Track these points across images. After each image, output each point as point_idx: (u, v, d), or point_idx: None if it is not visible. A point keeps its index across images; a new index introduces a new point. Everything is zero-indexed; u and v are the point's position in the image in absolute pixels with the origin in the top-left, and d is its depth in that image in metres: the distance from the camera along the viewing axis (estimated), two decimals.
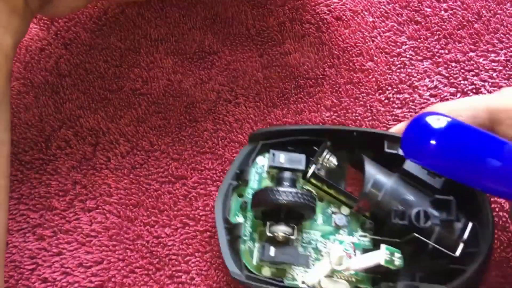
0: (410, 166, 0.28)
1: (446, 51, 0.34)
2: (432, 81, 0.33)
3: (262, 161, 0.30)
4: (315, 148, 0.29)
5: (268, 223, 0.28)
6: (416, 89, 0.33)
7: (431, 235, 0.26)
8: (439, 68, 0.34)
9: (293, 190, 0.27)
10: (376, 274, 0.27)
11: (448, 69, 0.34)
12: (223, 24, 0.35)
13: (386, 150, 0.29)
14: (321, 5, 0.35)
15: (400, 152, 0.28)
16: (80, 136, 0.32)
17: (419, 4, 0.35)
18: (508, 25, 0.34)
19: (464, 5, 0.35)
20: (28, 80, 0.33)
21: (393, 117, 0.33)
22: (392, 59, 0.34)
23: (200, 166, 0.32)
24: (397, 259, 0.26)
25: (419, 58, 0.34)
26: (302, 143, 0.30)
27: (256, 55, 0.34)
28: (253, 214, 0.29)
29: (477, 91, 0.33)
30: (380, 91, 0.34)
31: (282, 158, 0.29)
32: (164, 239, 0.31)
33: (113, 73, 0.33)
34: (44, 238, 0.30)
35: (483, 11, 0.35)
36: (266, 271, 0.28)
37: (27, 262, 0.30)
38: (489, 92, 0.33)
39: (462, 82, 0.33)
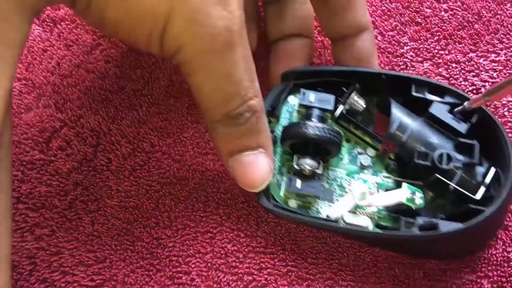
0: (436, 110, 0.29)
1: (446, 52, 0.34)
2: None
3: (293, 101, 0.31)
4: (344, 90, 0.30)
5: (295, 157, 0.29)
6: None
7: (453, 177, 0.27)
8: (440, 69, 0.34)
9: (321, 125, 0.28)
10: (397, 212, 0.28)
11: (449, 70, 0.34)
12: None
13: (413, 93, 0.29)
14: None
15: (428, 96, 0.29)
16: (81, 137, 0.32)
17: (419, 5, 0.35)
18: (509, 25, 0.34)
19: (464, 6, 0.35)
20: (30, 80, 0.33)
21: None
22: (395, 60, 0.34)
23: (201, 167, 0.32)
24: (418, 198, 0.26)
25: (419, 59, 0.34)
26: (333, 85, 0.30)
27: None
28: (282, 150, 0.30)
29: (477, 92, 0.33)
30: None
31: (312, 97, 0.29)
32: (165, 240, 0.31)
33: (114, 74, 0.33)
34: (42, 238, 0.30)
35: (483, 12, 0.35)
36: (292, 203, 0.29)
37: (25, 262, 0.30)
38: None
39: (462, 82, 0.33)
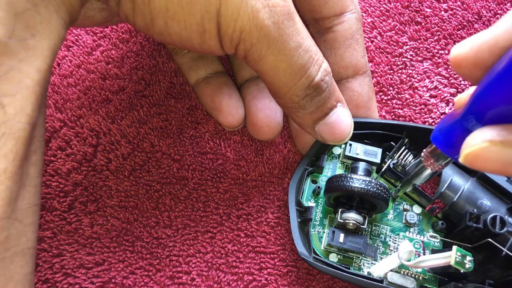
0: None
1: (446, 52, 0.34)
2: (432, 82, 0.33)
3: (338, 151, 0.31)
4: (392, 143, 0.29)
5: (339, 210, 0.28)
6: (416, 90, 0.33)
7: (505, 242, 0.26)
8: (439, 69, 0.34)
9: (369, 179, 0.27)
10: (444, 276, 0.27)
11: (448, 70, 0.34)
12: None
13: None
14: None
15: None
16: (81, 137, 0.32)
17: (420, 4, 0.35)
18: None
19: (464, 6, 0.35)
20: None
21: (394, 118, 0.33)
22: (393, 59, 0.34)
23: (200, 166, 0.32)
24: (468, 262, 0.25)
25: (419, 58, 0.34)
26: (379, 138, 0.30)
27: None
28: (324, 201, 0.29)
29: None
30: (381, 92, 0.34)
31: (358, 149, 0.29)
32: (165, 240, 0.31)
33: (115, 75, 0.33)
34: (44, 239, 0.30)
35: (483, 11, 0.35)
36: (333, 257, 0.29)
37: None
38: None
39: (462, 82, 0.33)
